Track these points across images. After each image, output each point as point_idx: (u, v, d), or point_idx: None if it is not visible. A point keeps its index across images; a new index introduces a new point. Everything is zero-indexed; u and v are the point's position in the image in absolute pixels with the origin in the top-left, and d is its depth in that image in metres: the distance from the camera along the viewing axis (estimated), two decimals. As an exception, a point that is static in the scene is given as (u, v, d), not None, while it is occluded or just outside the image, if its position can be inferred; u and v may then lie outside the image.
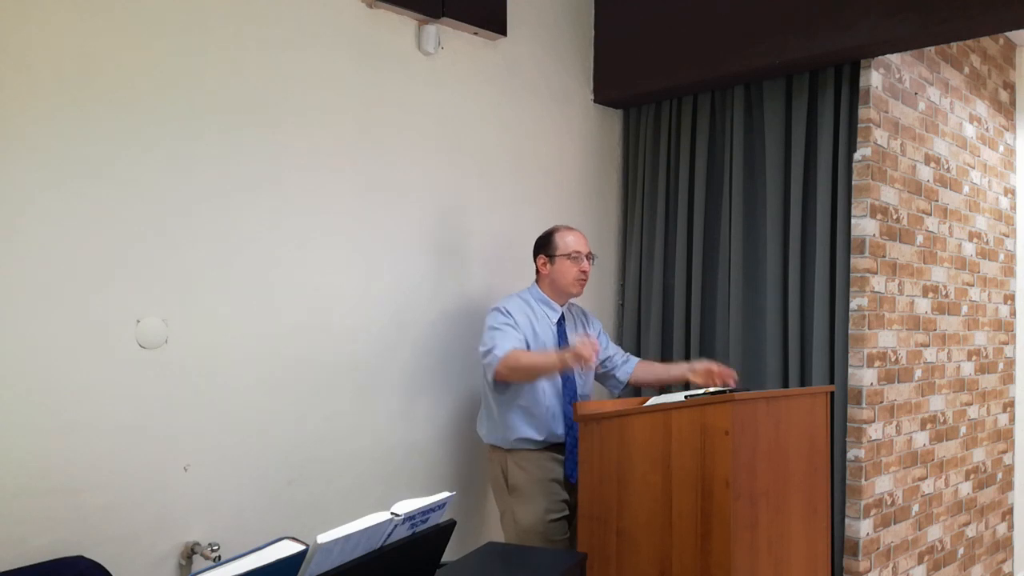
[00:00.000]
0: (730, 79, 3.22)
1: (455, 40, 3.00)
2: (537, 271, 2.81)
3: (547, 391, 2.69)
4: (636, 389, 3.23)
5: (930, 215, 3.40)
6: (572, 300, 2.87)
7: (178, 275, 2.29)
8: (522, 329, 2.68)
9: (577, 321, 2.89)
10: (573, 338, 2.80)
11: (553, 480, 2.70)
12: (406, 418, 2.85)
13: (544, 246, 2.79)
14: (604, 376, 2.93)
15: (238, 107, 2.41)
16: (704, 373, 2.73)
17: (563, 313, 2.82)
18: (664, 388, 3.13)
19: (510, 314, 2.68)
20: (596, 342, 2.44)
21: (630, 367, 2.92)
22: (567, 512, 2.71)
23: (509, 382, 2.64)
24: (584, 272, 2.75)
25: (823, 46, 2.89)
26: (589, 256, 2.78)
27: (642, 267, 3.54)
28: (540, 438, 2.69)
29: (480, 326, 3.01)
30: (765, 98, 3.18)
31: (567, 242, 2.75)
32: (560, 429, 2.71)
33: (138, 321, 2.21)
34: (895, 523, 3.17)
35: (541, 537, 2.64)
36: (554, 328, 2.77)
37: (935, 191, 3.44)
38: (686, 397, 2.30)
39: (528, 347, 2.68)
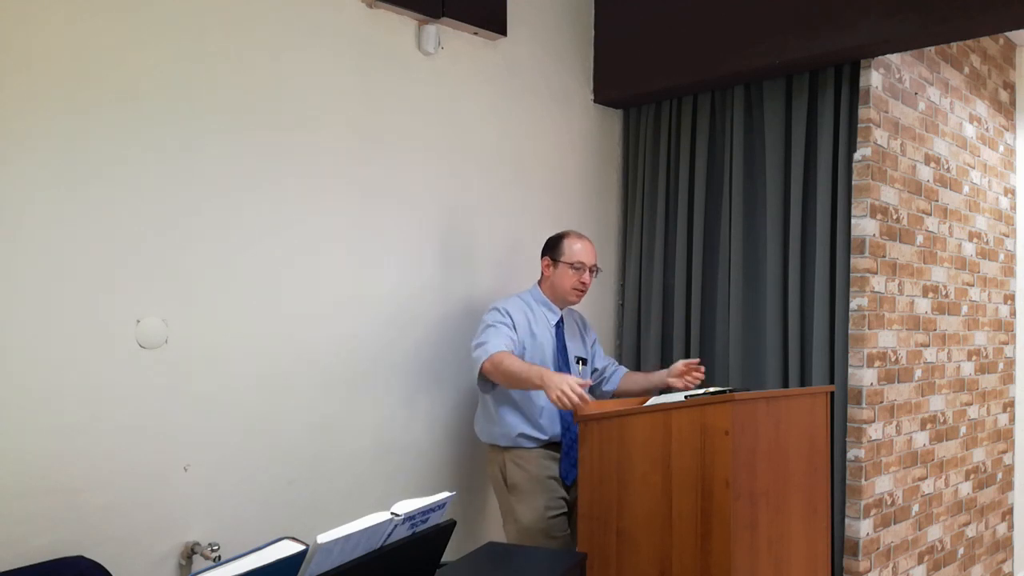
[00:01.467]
0: (730, 79, 3.22)
1: (455, 40, 3.00)
2: (541, 271, 2.82)
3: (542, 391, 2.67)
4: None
5: (930, 215, 3.40)
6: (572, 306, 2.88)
7: (178, 275, 2.29)
8: (520, 329, 2.68)
9: (576, 327, 2.89)
10: (572, 344, 2.81)
11: (551, 477, 2.70)
12: (406, 418, 2.85)
13: (551, 248, 2.79)
14: (592, 388, 2.92)
15: (238, 107, 2.41)
16: (679, 374, 2.75)
17: (562, 316, 2.81)
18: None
19: (508, 314, 2.67)
20: (584, 394, 2.32)
21: (617, 379, 2.94)
22: (566, 509, 2.72)
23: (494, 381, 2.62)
24: (584, 284, 2.75)
25: (823, 46, 2.89)
26: (593, 269, 2.77)
27: (642, 267, 3.54)
28: (538, 435, 2.69)
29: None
30: (765, 98, 3.18)
31: (573, 250, 2.74)
32: (557, 428, 2.71)
33: (138, 321, 2.21)
34: (895, 523, 3.17)
35: (543, 534, 2.65)
36: (553, 330, 2.76)
37: (935, 191, 3.44)
38: (686, 397, 2.30)
39: (524, 348, 2.67)
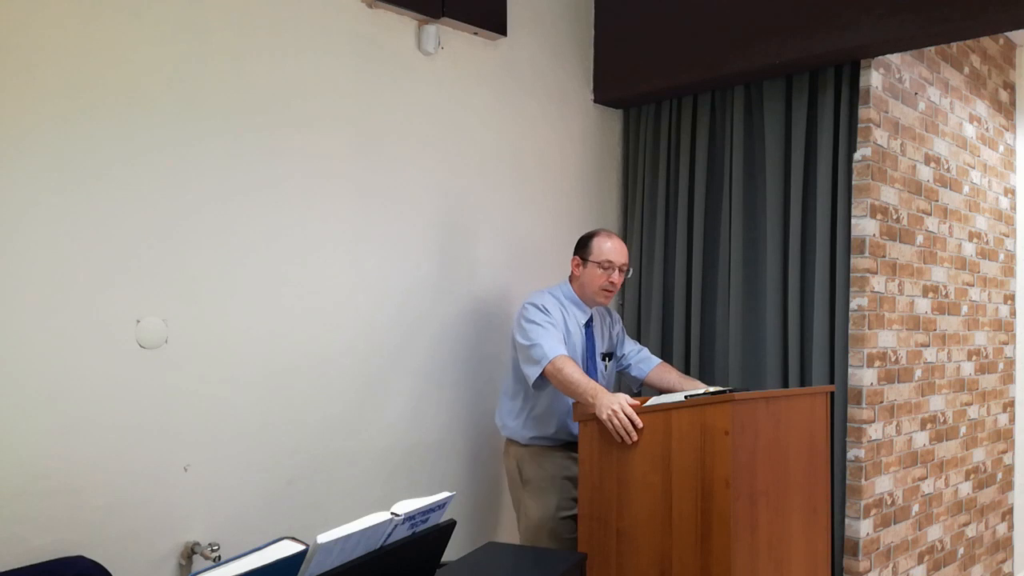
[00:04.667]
0: (730, 79, 3.22)
1: (455, 40, 3.00)
2: (571, 270, 2.78)
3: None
4: (638, 389, 3.22)
5: (930, 215, 3.40)
6: None
7: (179, 276, 2.29)
8: (558, 327, 2.62)
9: (604, 322, 2.85)
10: (599, 343, 2.78)
11: (567, 478, 2.68)
12: (406, 418, 2.85)
13: (581, 247, 2.75)
14: (621, 372, 2.92)
15: (239, 108, 2.41)
16: None
17: (591, 315, 2.78)
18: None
19: (548, 311, 2.62)
20: (635, 417, 2.29)
21: (647, 366, 2.87)
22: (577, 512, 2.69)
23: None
24: (612, 283, 2.69)
25: (823, 46, 2.89)
26: (622, 268, 2.71)
27: (642, 267, 3.54)
28: (557, 438, 2.68)
29: (481, 328, 3.02)
30: (765, 98, 3.18)
31: (603, 249, 2.69)
32: (577, 428, 2.68)
33: (138, 321, 2.21)
34: (895, 523, 3.17)
35: (550, 533, 2.64)
36: (583, 330, 2.73)
37: (935, 191, 3.44)
38: (686, 397, 2.30)
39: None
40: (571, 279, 2.79)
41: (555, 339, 2.57)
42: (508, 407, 2.77)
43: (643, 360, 2.89)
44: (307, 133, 2.58)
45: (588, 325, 2.77)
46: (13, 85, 2.01)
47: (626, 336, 2.96)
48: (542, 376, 2.54)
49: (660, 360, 2.92)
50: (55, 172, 2.07)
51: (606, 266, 2.68)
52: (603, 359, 2.80)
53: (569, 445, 2.70)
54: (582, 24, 3.53)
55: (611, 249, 2.70)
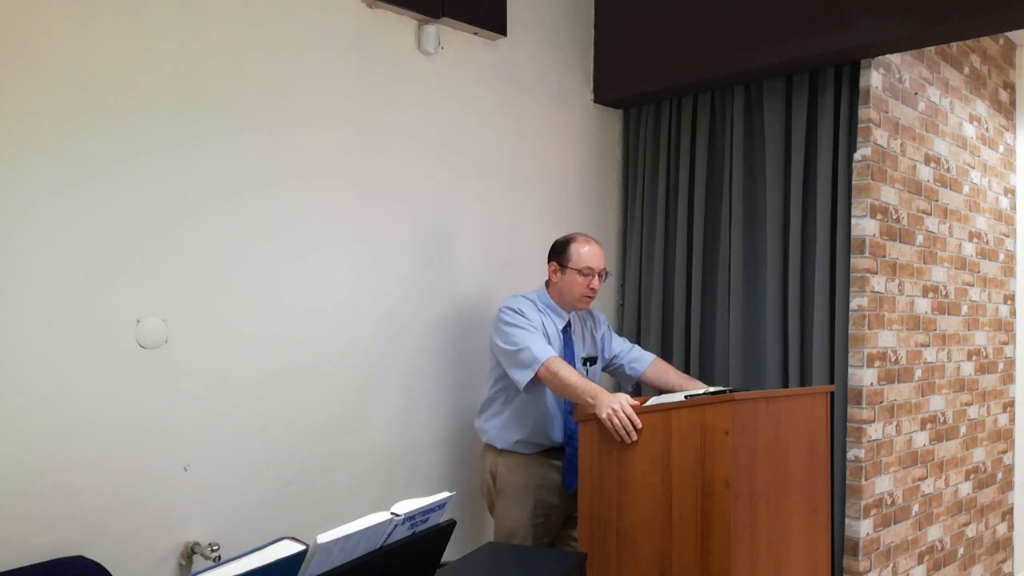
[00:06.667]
0: (730, 79, 3.22)
1: (455, 40, 3.00)
2: (548, 276, 2.74)
3: (543, 393, 2.64)
4: (636, 389, 3.23)
5: (930, 215, 3.40)
6: None
7: (179, 276, 2.29)
8: (539, 330, 2.60)
9: (585, 325, 2.82)
10: (578, 348, 2.76)
11: (541, 486, 2.67)
12: (406, 419, 2.85)
13: (558, 253, 2.70)
14: (614, 372, 2.90)
15: (239, 108, 2.41)
16: None
17: (569, 320, 2.74)
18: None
19: (525, 314, 2.59)
20: (635, 417, 2.27)
21: (641, 365, 2.84)
22: (554, 516, 2.70)
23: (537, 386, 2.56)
24: (592, 289, 2.66)
25: (823, 46, 2.89)
26: (601, 273, 2.68)
27: (642, 267, 3.54)
28: (533, 442, 2.66)
29: (480, 327, 3.02)
30: (765, 98, 3.18)
31: (581, 254, 2.65)
32: (557, 434, 2.68)
33: (138, 321, 2.21)
34: (895, 523, 3.17)
35: (522, 540, 2.64)
36: (561, 336, 2.70)
37: (935, 191, 3.44)
38: (686, 397, 2.30)
39: None
40: (548, 285, 2.74)
41: (541, 341, 2.55)
42: (486, 412, 2.75)
43: (636, 359, 2.86)
44: (307, 133, 2.58)
45: (566, 331, 2.73)
46: (13, 85, 2.01)
47: (613, 335, 2.91)
48: (533, 380, 2.52)
49: (655, 356, 2.89)
50: (55, 172, 2.07)
51: (586, 272, 2.64)
52: (584, 364, 2.73)
53: (547, 452, 2.69)
54: (582, 24, 3.53)
55: (590, 255, 2.66)
